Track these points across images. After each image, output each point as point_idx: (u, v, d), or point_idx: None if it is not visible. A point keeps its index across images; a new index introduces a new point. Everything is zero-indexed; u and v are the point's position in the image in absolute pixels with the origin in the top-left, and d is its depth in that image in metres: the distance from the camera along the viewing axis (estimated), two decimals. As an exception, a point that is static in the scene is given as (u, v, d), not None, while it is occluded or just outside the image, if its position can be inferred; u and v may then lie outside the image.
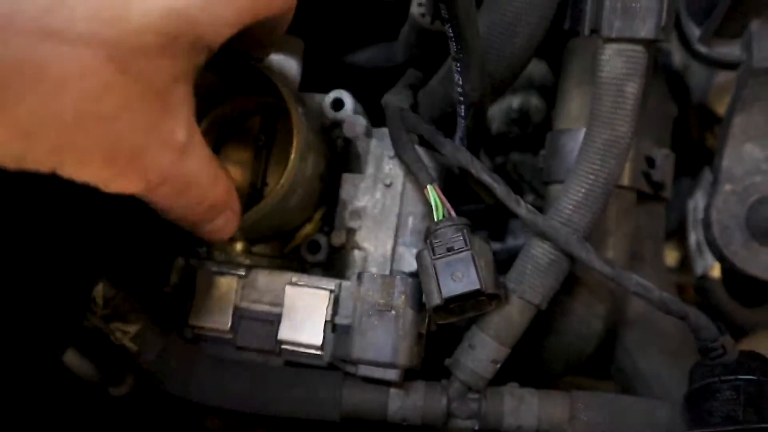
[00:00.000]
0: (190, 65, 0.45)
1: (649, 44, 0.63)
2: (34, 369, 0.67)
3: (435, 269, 0.62)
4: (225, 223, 0.58)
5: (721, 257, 0.79)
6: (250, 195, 0.81)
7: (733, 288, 1.08)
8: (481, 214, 1.06)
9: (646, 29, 0.62)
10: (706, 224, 0.79)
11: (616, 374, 0.81)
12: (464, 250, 0.62)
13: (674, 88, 1.13)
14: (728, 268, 0.79)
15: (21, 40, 0.36)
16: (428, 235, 0.65)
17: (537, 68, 1.06)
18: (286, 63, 0.85)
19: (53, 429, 0.78)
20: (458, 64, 0.61)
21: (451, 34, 0.59)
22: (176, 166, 0.47)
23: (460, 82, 0.63)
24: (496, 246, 1.15)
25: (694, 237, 1.07)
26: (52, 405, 0.88)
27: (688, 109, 1.13)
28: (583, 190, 0.65)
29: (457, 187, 0.81)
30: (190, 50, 0.44)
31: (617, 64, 0.63)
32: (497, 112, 1.07)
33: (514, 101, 1.05)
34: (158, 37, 0.41)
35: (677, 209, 1.15)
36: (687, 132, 1.15)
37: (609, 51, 0.64)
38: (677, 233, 1.19)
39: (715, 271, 0.98)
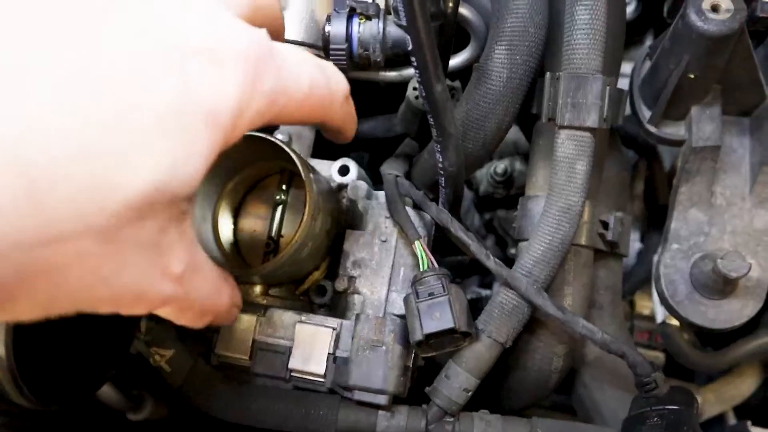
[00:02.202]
0: (174, 214, 0.46)
1: (594, 131, 0.78)
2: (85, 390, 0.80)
3: (418, 310, 0.76)
4: (228, 317, 0.62)
5: (668, 307, 0.92)
6: (267, 245, 0.95)
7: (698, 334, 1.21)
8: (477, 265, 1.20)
9: (590, 120, 0.77)
10: (656, 278, 0.92)
11: (576, 406, 0.94)
12: (443, 296, 0.76)
13: (647, 158, 1.28)
14: (676, 317, 0.92)
15: (22, 254, 0.39)
16: (414, 282, 0.79)
17: (521, 137, 1.21)
18: (302, 133, 1.01)
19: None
20: (438, 145, 0.76)
21: (432, 121, 0.74)
22: (177, 292, 0.49)
23: (440, 159, 0.78)
24: (486, 292, 1.29)
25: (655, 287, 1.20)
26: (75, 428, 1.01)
27: (656, 176, 1.28)
28: (542, 248, 0.79)
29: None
30: (169, 207, 0.45)
31: (569, 147, 0.78)
32: (485, 175, 1.22)
33: (500, 166, 1.21)
34: (136, 211, 0.42)
35: (648, 262, 1.28)
36: (656, 195, 1.29)
37: (562, 135, 0.79)
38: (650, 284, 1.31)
39: (674, 319, 1.10)
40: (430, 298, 0.76)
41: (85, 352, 0.71)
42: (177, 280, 0.49)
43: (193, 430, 1.17)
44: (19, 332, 0.58)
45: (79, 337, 0.72)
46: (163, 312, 0.52)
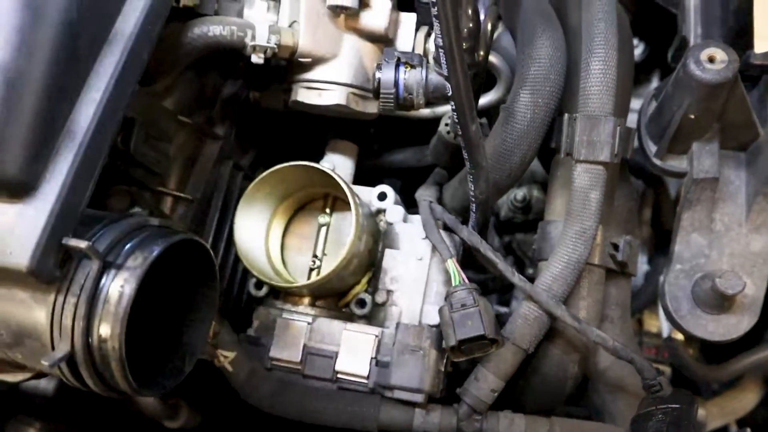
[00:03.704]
0: None
1: (606, 165, 0.89)
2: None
3: (452, 319, 0.87)
4: None
5: (672, 321, 1.02)
6: (312, 261, 1.07)
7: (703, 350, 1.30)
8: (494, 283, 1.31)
9: (603, 155, 0.89)
10: (661, 295, 1.03)
11: (591, 409, 1.04)
12: (473, 306, 0.87)
13: (654, 188, 1.39)
14: (679, 330, 1.02)
15: None
16: (448, 295, 0.90)
17: (538, 167, 1.33)
18: (344, 163, 1.13)
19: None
20: (471, 176, 0.88)
21: (466, 156, 0.86)
22: None
23: (472, 188, 0.89)
24: (504, 309, 1.40)
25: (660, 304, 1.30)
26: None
27: (662, 204, 1.38)
28: (560, 267, 0.90)
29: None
30: None
31: (585, 178, 0.90)
32: (506, 201, 1.34)
33: (519, 193, 1.32)
34: None
35: (655, 283, 1.38)
36: (662, 221, 1.40)
37: (579, 168, 0.90)
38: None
39: (680, 334, 1.20)
40: (463, 309, 0.87)
41: (167, 348, 0.82)
42: None
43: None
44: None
45: (161, 334, 0.83)
46: None
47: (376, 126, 1.27)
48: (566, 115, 0.94)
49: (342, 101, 0.97)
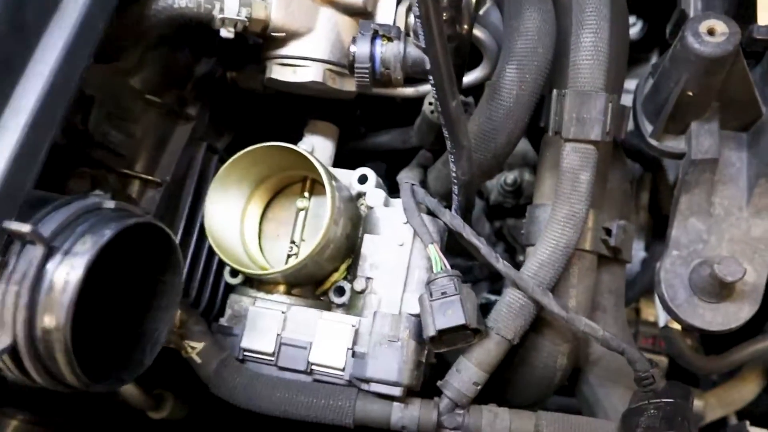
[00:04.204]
0: None
1: (597, 144, 0.84)
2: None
3: (431, 308, 0.82)
4: None
5: (668, 310, 0.97)
6: (290, 248, 1.02)
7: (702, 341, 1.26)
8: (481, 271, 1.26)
9: (594, 133, 0.83)
10: (657, 282, 0.98)
11: (580, 403, 0.99)
12: (454, 295, 0.82)
13: (652, 172, 1.34)
14: (675, 319, 0.97)
15: None
16: (428, 282, 0.85)
17: (530, 149, 1.27)
18: (323, 144, 1.08)
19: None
20: (452, 156, 0.82)
21: (446, 134, 0.80)
22: None
23: (454, 169, 0.84)
24: (495, 298, 1.35)
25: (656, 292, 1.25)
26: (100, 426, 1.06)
27: (660, 188, 1.33)
28: (547, 252, 0.85)
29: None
30: None
31: (574, 158, 0.84)
32: (495, 185, 1.28)
33: (510, 176, 1.27)
34: None
35: (652, 271, 1.33)
36: (660, 207, 1.34)
37: (568, 148, 0.85)
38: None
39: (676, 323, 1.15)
40: (443, 297, 0.82)
41: (126, 339, 0.77)
42: None
43: (212, 429, 1.23)
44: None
45: (120, 324, 0.78)
46: None
47: (362, 107, 1.22)
48: (555, 91, 0.88)
49: (318, 78, 0.92)
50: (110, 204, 0.72)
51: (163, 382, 1.11)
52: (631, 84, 1.10)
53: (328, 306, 0.97)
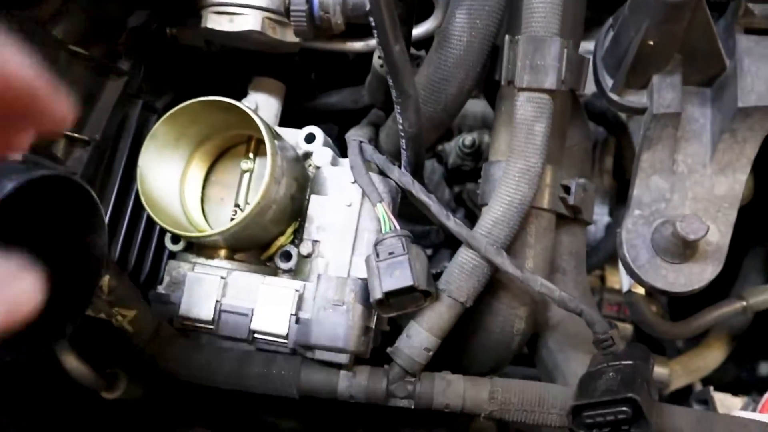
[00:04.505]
0: None
1: (553, 93, 0.79)
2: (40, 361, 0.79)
3: (378, 269, 0.77)
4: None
5: (630, 272, 0.93)
6: (234, 212, 0.96)
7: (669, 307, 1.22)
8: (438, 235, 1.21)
9: (548, 82, 0.78)
10: (619, 244, 0.94)
11: (539, 368, 0.95)
12: (402, 255, 0.77)
13: (616, 135, 1.30)
14: (637, 281, 0.93)
15: None
16: (376, 243, 0.80)
17: (489, 110, 1.22)
18: (268, 102, 1.02)
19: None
20: (398, 107, 0.77)
21: (391, 83, 0.75)
22: None
23: (401, 121, 0.78)
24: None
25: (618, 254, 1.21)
26: (50, 407, 1.00)
27: (624, 151, 1.29)
28: (501, 209, 0.80)
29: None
30: None
31: (528, 109, 0.79)
32: (454, 147, 1.23)
33: (468, 138, 1.21)
34: None
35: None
36: (624, 170, 1.30)
37: (521, 98, 0.80)
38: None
39: (640, 288, 1.11)
40: (390, 257, 0.77)
41: (47, 307, 0.71)
42: None
43: (168, 408, 1.18)
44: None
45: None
46: None
47: (314, 68, 1.16)
48: (507, 38, 0.83)
49: (256, 27, 0.86)
50: (17, 157, 0.65)
51: (117, 361, 1.05)
52: (591, 45, 1.05)
53: (275, 272, 0.91)
